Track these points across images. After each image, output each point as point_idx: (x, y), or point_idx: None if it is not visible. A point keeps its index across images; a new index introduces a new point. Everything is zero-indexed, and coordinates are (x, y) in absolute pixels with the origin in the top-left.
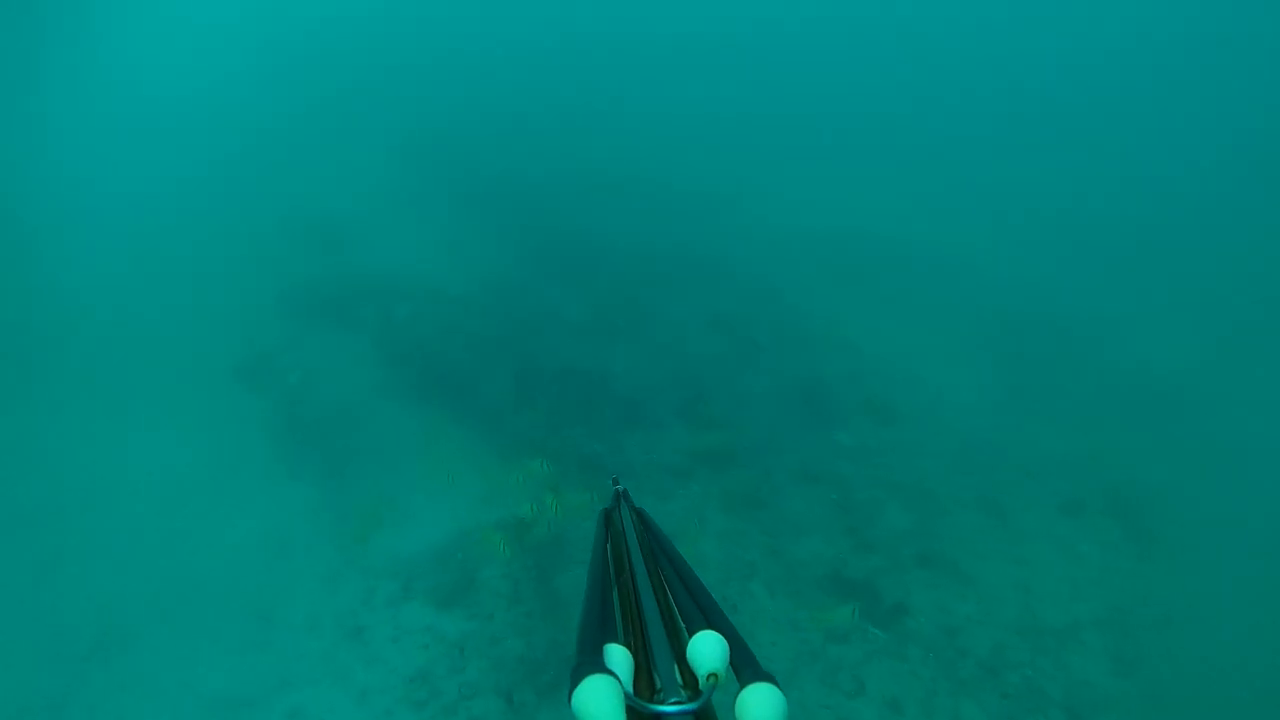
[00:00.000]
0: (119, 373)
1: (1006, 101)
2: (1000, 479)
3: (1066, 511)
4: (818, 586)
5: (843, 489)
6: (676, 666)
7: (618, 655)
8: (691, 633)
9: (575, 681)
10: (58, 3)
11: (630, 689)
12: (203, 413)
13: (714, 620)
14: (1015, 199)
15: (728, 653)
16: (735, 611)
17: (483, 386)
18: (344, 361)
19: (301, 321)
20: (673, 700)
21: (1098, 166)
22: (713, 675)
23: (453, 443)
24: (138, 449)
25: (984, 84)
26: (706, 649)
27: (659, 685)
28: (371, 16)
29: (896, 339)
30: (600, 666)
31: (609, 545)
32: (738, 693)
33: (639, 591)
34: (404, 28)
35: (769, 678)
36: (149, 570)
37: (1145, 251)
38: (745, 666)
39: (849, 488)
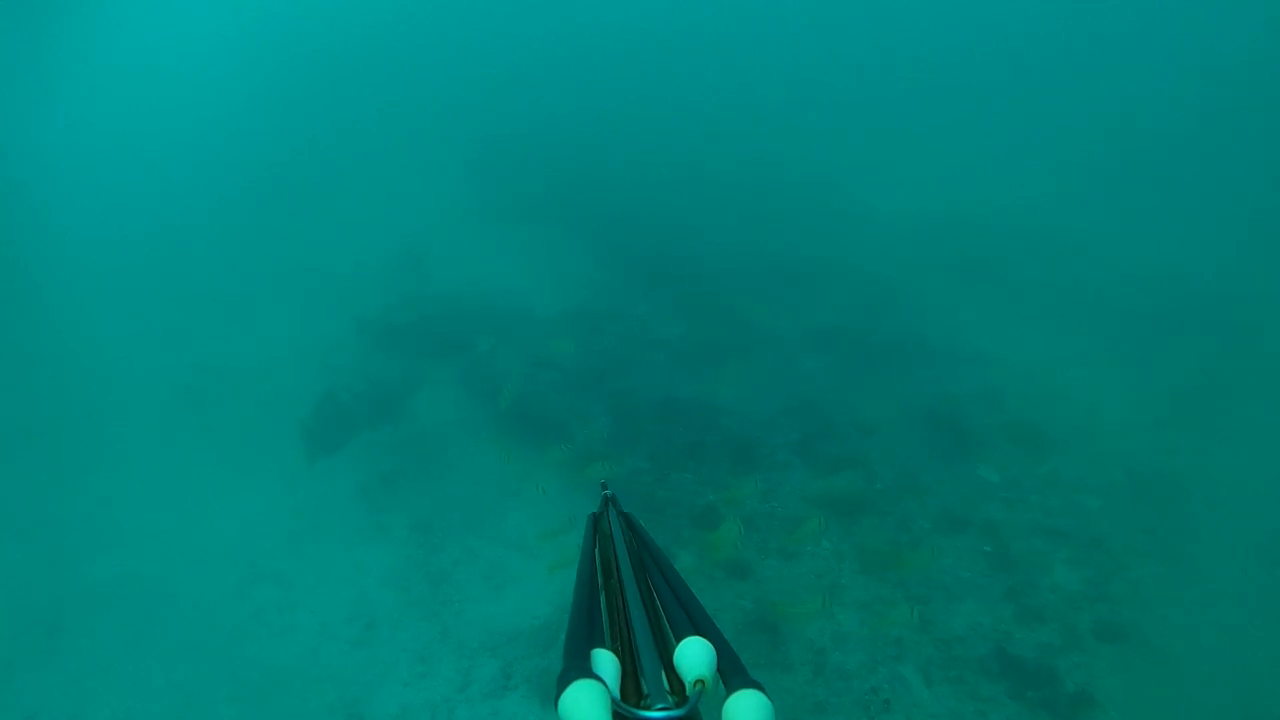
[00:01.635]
0: (192, 428)
1: (1130, 54)
2: (1180, 518)
3: (1270, 556)
4: (981, 670)
5: (995, 539)
6: (664, 672)
7: (605, 660)
8: (679, 639)
9: (562, 687)
10: (107, 20)
11: (617, 694)
12: (281, 467)
13: (701, 626)
14: (1148, 167)
15: (715, 659)
16: (888, 710)
17: (577, 426)
18: (428, 404)
19: (380, 360)
20: (660, 706)
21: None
22: (700, 681)
23: (548, 494)
24: (214, 514)
25: (1104, 34)
26: (693, 655)
27: (646, 691)
28: (432, 26)
29: (1032, 344)
30: (587, 672)
31: (597, 550)
32: (724, 699)
33: (627, 597)
34: (464, 35)
35: (756, 685)
36: (229, 656)
37: None
38: (732, 673)
39: (1002, 537)
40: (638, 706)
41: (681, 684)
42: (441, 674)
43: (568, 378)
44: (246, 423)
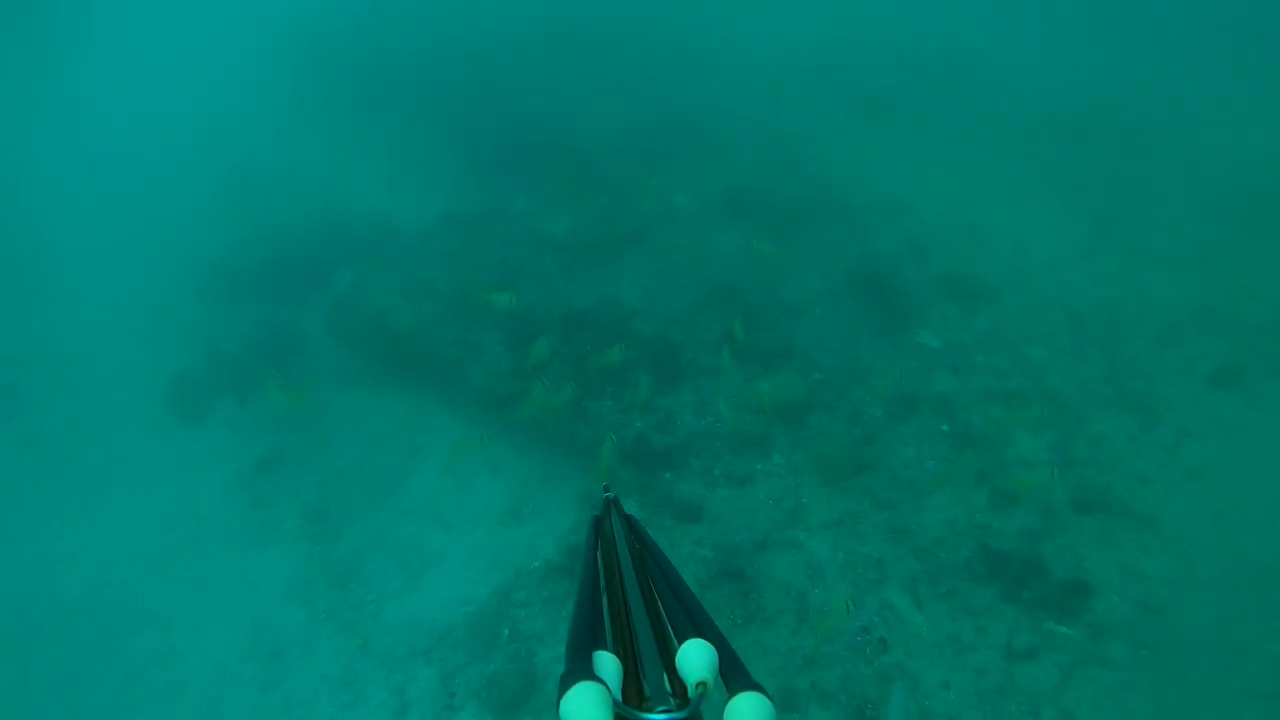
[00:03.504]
0: (9, 442)
1: None
2: (1127, 356)
3: (1221, 384)
4: (970, 577)
5: (950, 414)
6: (665, 675)
7: (607, 663)
8: (680, 641)
9: (564, 689)
10: None
11: (619, 696)
12: (135, 471)
13: (703, 629)
14: None
15: (717, 661)
16: (885, 649)
17: (471, 362)
18: (297, 360)
19: (234, 313)
20: (661, 708)
21: None
22: (701, 684)
23: (455, 447)
24: (59, 551)
25: None
26: (695, 657)
27: (648, 693)
28: None
29: (943, 180)
30: (589, 674)
31: (599, 553)
32: (726, 702)
33: (628, 599)
34: None
35: (758, 687)
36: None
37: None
38: (734, 676)
39: (956, 409)
40: (639, 709)
41: (683, 686)
42: (373, 698)
43: (448, 304)
44: (79, 423)
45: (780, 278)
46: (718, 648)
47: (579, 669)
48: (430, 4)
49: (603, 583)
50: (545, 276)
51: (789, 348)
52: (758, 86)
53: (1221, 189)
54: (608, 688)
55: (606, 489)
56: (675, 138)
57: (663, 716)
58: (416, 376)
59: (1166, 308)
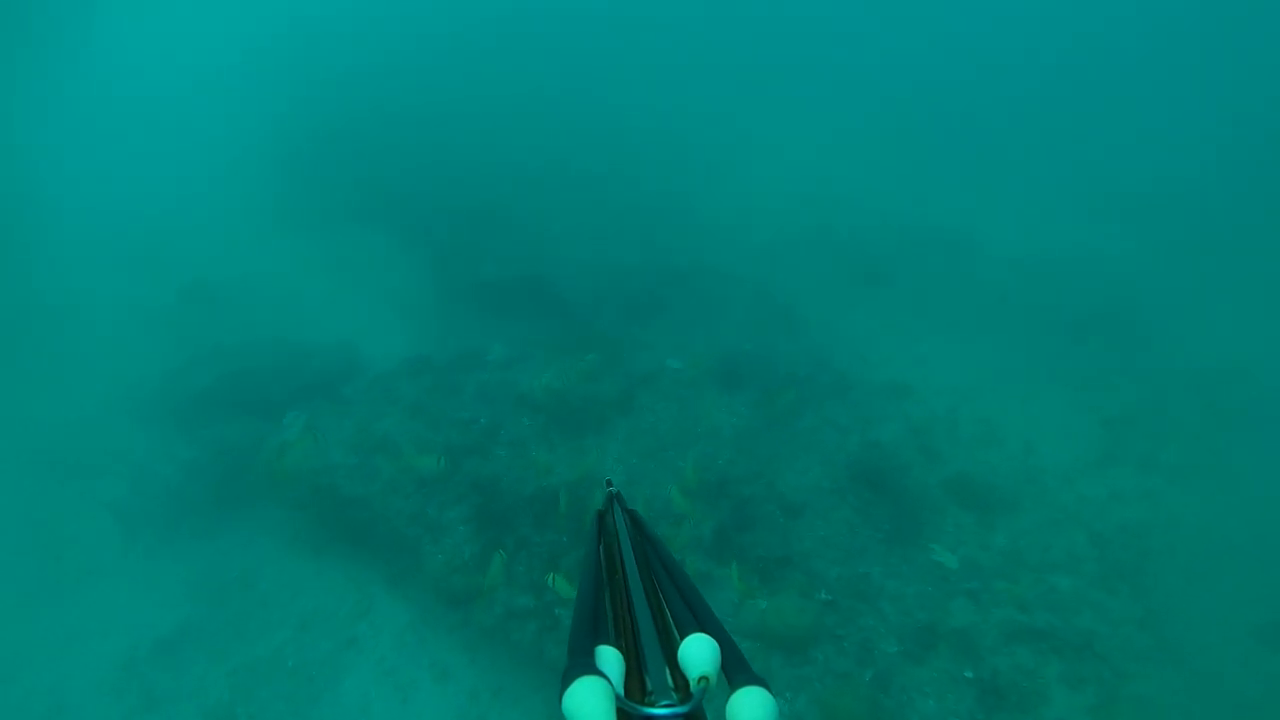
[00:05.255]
0: None
1: (1018, 43)
2: (1160, 594)
3: (1266, 635)
4: None
5: (974, 657)
6: (668, 669)
7: (609, 657)
8: (683, 635)
9: (566, 683)
10: None
11: (621, 691)
12: (9, 640)
13: (705, 623)
14: (1052, 161)
15: (719, 656)
16: None
17: (430, 544)
18: (225, 517)
19: (157, 452)
20: (664, 703)
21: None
22: (704, 678)
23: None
24: None
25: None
26: (698, 652)
27: (650, 687)
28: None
29: (946, 364)
30: (592, 668)
31: (602, 547)
32: (729, 696)
33: (631, 594)
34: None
35: (760, 681)
36: None
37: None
38: (737, 670)
39: (981, 652)
40: (642, 703)
41: (686, 681)
42: None
43: (409, 471)
44: None
45: (778, 467)
46: (720, 642)
47: (581, 663)
48: (421, 123)
49: (605, 577)
50: (520, 444)
51: (790, 555)
52: (756, 244)
53: (1233, 395)
54: (610, 682)
55: (609, 483)
56: (668, 291)
57: (665, 711)
58: (364, 551)
59: (1195, 537)
